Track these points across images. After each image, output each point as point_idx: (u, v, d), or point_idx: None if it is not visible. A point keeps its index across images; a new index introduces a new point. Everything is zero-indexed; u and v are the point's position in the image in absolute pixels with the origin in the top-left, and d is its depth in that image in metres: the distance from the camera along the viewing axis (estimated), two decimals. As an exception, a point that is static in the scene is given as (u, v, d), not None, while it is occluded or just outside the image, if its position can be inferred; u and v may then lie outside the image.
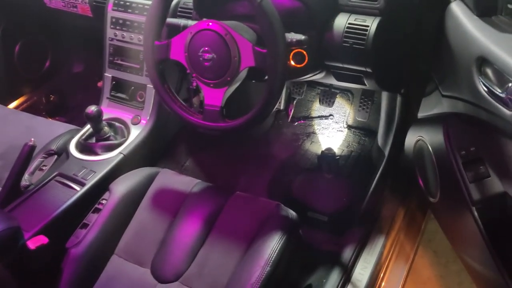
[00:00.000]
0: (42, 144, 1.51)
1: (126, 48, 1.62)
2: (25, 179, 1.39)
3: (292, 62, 1.19)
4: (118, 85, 1.66)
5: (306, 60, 1.18)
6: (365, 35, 1.15)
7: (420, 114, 1.36)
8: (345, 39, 1.18)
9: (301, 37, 1.10)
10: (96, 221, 1.22)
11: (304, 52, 1.17)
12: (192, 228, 1.20)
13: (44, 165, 1.47)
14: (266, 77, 1.11)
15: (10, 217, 1.10)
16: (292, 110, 2.02)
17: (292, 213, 1.19)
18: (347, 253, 1.39)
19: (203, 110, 1.19)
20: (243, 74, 1.14)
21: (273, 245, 1.08)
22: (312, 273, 1.37)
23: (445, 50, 1.09)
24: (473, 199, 1.02)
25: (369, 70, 1.20)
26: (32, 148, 1.27)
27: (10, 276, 1.01)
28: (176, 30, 1.21)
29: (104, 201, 1.26)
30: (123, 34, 1.61)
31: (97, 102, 1.66)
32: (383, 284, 1.39)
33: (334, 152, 1.64)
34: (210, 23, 1.11)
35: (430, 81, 1.28)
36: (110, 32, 1.64)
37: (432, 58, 1.22)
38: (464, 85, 1.02)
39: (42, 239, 1.14)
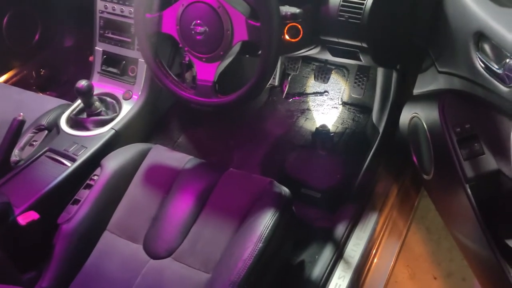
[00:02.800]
0: (32, 119, 1.49)
1: (117, 21, 1.58)
2: (15, 155, 1.38)
3: (287, 37, 1.16)
4: (109, 59, 1.62)
5: (301, 35, 1.15)
6: (361, 9, 1.13)
7: (416, 91, 1.35)
8: (340, 13, 1.15)
9: (296, 10, 1.08)
10: (87, 197, 1.21)
11: (299, 26, 1.14)
12: (185, 204, 1.19)
13: (35, 140, 1.45)
14: (260, 52, 1.09)
15: (-1, 192, 1.09)
16: (287, 86, 2.00)
17: (285, 189, 1.19)
18: (340, 230, 1.39)
19: (195, 85, 1.17)
20: (236, 48, 1.12)
21: (265, 221, 1.08)
22: (304, 250, 1.37)
23: (443, 25, 1.07)
24: (467, 176, 1.02)
25: (364, 45, 1.18)
26: (22, 122, 1.25)
27: (0, 252, 1.00)
28: (167, 2, 1.18)
29: (95, 177, 1.26)
30: (113, 7, 1.57)
31: (88, 76, 1.63)
32: (375, 260, 1.40)
33: (329, 129, 1.63)
34: (203, -5, 1.08)
35: (427, 57, 1.26)
36: (100, 4, 1.60)
37: (429, 34, 1.20)
38: (461, 61, 1.01)
39: (33, 215, 1.13)
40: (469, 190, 1.01)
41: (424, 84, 1.28)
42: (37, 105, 1.57)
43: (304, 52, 1.28)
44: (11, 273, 1.06)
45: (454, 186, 1.08)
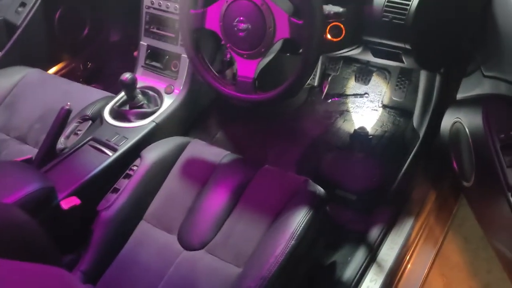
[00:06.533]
0: (78, 109, 1.55)
1: (162, 17, 1.62)
2: (61, 143, 1.43)
3: (329, 36, 1.16)
4: (153, 54, 1.67)
5: (343, 34, 1.15)
6: (406, 10, 1.11)
7: (459, 95, 1.31)
8: (384, 13, 1.14)
9: (339, 9, 1.07)
10: (126, 186, 1.24)
11: (342, 26, 1.14)
12: (220, 198, 1.20)
13: (79, 130, 1.51)
14: (301, 50, 1.09)
15: (45, 177, 1.14)
16: (326, 87, 1.99)
17: (319, 189, 1.19)
18: (374, 233, 1.37)
19: (235, 81, 1.18)
20: (277, 46, 1.13)
21: (299, 219, 1.08)
22: (337, 250, 1.36)
23: (491, 28, 1.04)
24: (509, 184, 0.98)
25: (408, 47, 1.16)
26: (68, 112, 1.30)
27: (44, 233, 1.05)
28: (212, -2, 1.20)
29: (135, 167, 1.29)
30: (159, 2, 1.61)
31: (132, 70, 1.67)
32: (409, 266, 1.37)
33: (367, 131, 1.61)
34: (247, -8, 1.09)
35: (472, 61, 1.23)
36: (147, 0, 1.64)
37: (476, 36, 1.16)
38: (508, 65, 0.97)
39: (75, 200, 1.17)
40: (511, 199, 0.98)
41: (468, 89, 1.25)
42: (83, 96, 1.63)
43: (345, 52, 1.28)
44: (53, 254, 1.10)
45: (495, 194, 1.04)
